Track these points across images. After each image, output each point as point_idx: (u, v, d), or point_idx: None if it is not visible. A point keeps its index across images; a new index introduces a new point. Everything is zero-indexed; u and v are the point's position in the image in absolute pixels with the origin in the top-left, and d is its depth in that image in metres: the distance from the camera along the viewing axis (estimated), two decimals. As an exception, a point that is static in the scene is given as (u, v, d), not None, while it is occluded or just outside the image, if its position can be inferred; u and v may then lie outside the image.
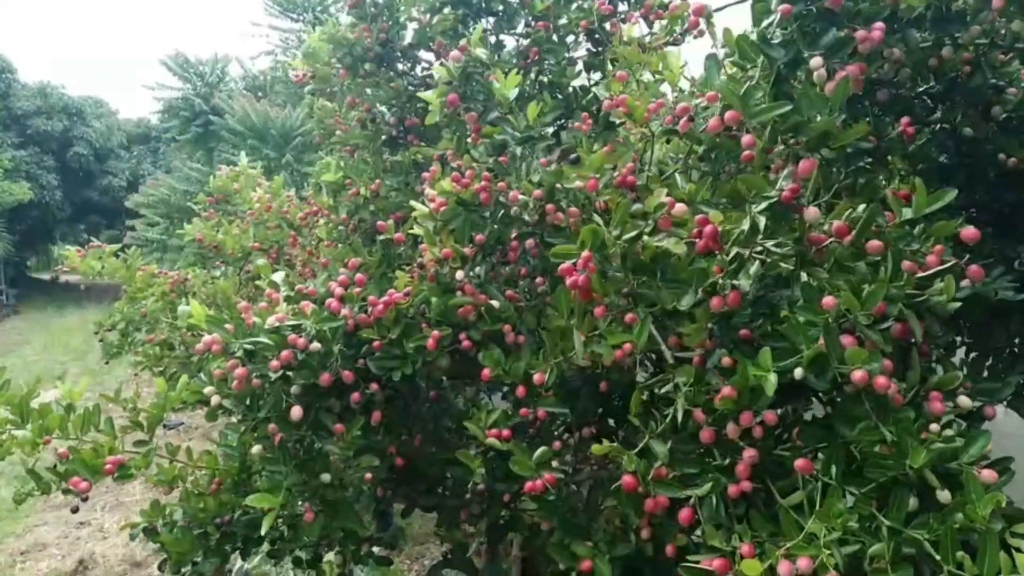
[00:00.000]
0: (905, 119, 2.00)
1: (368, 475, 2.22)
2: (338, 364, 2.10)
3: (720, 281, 1.61)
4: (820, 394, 1.83)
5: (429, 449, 2.49)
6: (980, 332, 2.21)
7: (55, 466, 2.11)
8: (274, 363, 2.01)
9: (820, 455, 1.58)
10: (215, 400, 2.12)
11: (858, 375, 1.39)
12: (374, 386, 2.18)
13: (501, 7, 3.03)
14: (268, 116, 12.95)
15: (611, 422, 2.43)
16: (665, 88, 2.34)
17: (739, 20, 2.00)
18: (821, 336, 1.46)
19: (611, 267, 1.77)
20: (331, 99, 3.52)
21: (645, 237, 1.70)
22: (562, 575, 1.98)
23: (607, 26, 2.80)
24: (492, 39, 3.08)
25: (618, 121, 2.33)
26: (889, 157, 2.06)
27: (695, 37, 2.62)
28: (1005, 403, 1.95)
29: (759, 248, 1.62)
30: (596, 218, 1.78)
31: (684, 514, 1.62)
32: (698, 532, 1.69)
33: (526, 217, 2.15)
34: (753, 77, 1.69)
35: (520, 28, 3.08)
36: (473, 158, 2.33)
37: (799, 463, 1.51)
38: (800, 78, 1.68)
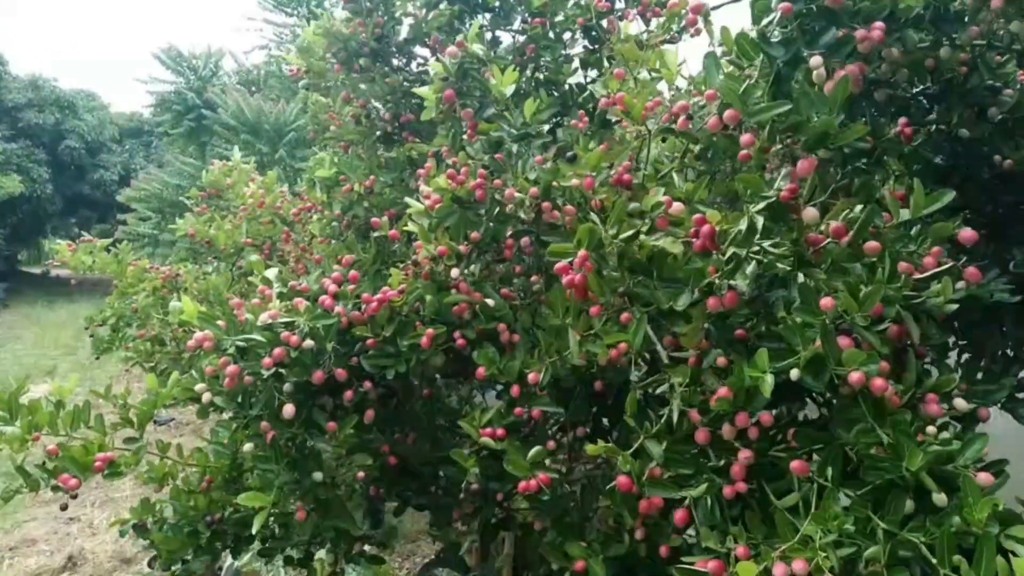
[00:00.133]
0: (903, 120, 2.00)
1: (361, 474, 2.21)
2: (331, 362, 2.08)
3: (717, 281, 1.60)
4: (815, 396, 1.83)
5: (422, 448, 2.48)
6: (974, 334, 2.21)
7: (44, 463, 2.09)
8: (267, 360, 1.99)
9: (815, 457, 1.57)
10: (206, 397, 2.10)
11: (855, 377, 1.38)
12: (367, 384, 2.16)
13: (497, 3, 3.01)
14: (262, 111, 12.90)
15: (605, 422, 2.42)
16: (662, 86, 2.33)
17: (735, 19, 2.00)
18: (818, 337, 1.45)
19: (607, 266, 1.76)
20: (326, 94, 3.50)
21: (642, 236, 1.69)
22: (555, 575, 1.97)
23: (604, 23, 2.79)
24: (488, 35, 3.06)
25: (615, 119, 2.32)
26: (886, 158, 2.05)
27: (692, 35, 2.60)
28: (999, 406, 1.95)
29: (756, 248, 1.61)
30: (593, 217, 1.76)
31: (679, 515, 1.61)
32: (690, 531, 1.68)
33: (522, 215, 2.13)
34: (751, 76, 1.69)
35: (516, 24, 3.07)
36: (469, 155, 2.31)
37: (795, 465, 1.50)
38: (798, 78, 1.67)
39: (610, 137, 2.40)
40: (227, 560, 3.61)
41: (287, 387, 2.05)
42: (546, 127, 2.38)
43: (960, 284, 1.63)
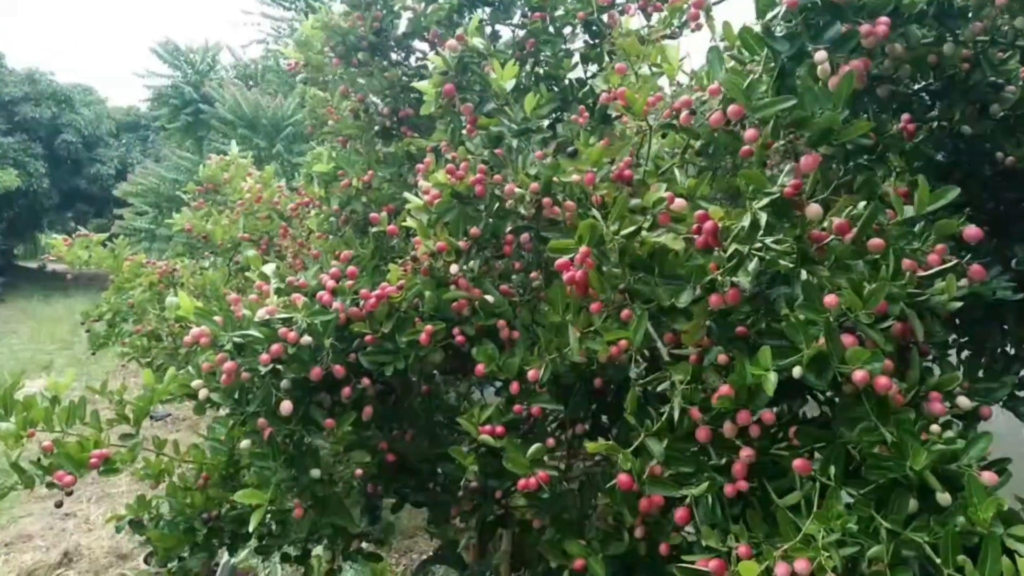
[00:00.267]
0: (906, 116, 1.99)
1: (359, 471, 2.19)
2: (329, 358, 2.06)
3: (719, 278, 1.58)
4: (817, 393, 1.82)
5: (421, 444, 2.47)
6: (975, 332, 2.20)
7: (39, 459, 2.08)
8: (264, 357, 1.98)
9: (817, 455, 1.56)
10: (203, 394, 2.09)
11: (859, 375, 1.37)
12: (365, 381, 2.15)
13: (497, -3, 3.00)
14: (259, 105, 12.85)
15: (604, 419, 2.41)
16: (662, 82, 2.31)
17: (735, 15, 1.99)
18: (821, 335, 1.44)
19: (608, 263, 1.74)
20: (324, 88, 3.48)
21: (643, 232, 1.67)
22: (554, 573, 1.96)
23: (605, 18, 2.77)
24: (487, 30, 3.04)
25: (615, 114, 2.30)
26: (888, 155, 2.04)
27: (693, 30, 2.59)
28: (1001, 403, 1.94)
29: (758, 245, 1.59)
30: (594, 213, 1.75)
31: (680, 514, 1.60)
32: (688, 528, 1.67)
33: (522, 211, 2.12)
34: (754, 71, 1.67)
35: (516, 19, 3.05)
36: (468, 150, 2.29)
37: (798, 463, 1.49)
38: (800, 73, 1.65)
39: (610, 133, 2.38)
40: (223, 557, 3.59)
41: (284, 383, 2.04)
42: (546, 122, 2.36)
43: (962, 281, 1.62)
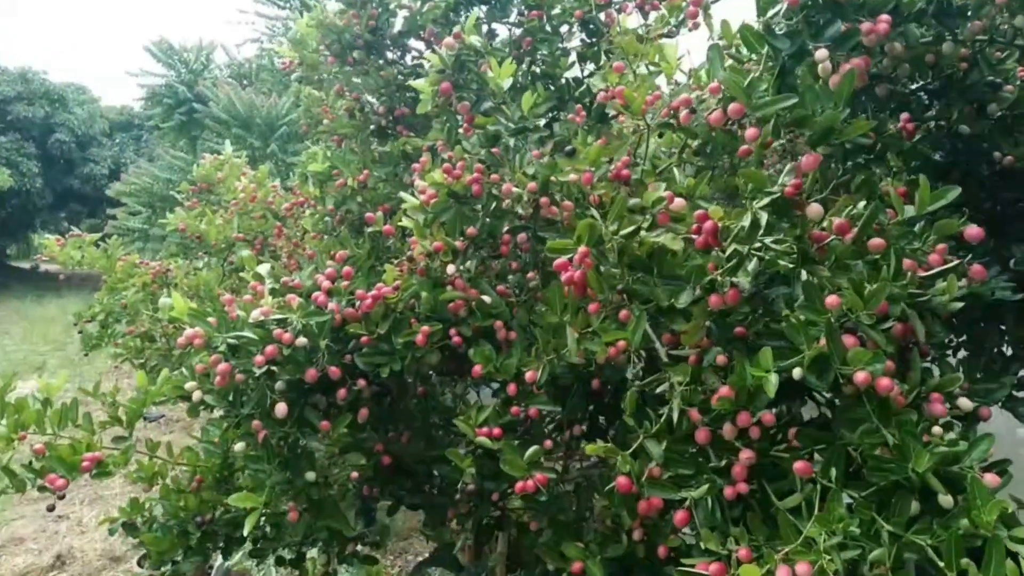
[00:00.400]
0: (905, 115, 1.98)
1: (355, 474, 2.17)
2: (325, 360, 2.04)
3: (719, 278, 1.57)
4: (816, 394, 1.81)
5: (417, 446, 2.45)
6: (974, 332, 2.19)
7: (30, 463, 2.05)
8: (259, 358, 1.95)
9: (817, 457, 1.55)
10: (197, 396, 2.06)
11: (861, 376, 1.35)
12: (361, 382, 2.13)
13: (493, -5, 2.98)
14: (253, 104, 12.79)
15: (601, 420, 2.39)
16: (660, 81, 2.30)
17: (731, 15, 1.98)
18: (822, 336, 1.42)
19: (606, 263, 1.73)
20: (319, 87, 3.46)
21: (642, 232, 1.66)
22: (551, 575, 1.95)
23: (602, 16, 2.76)
24: (484, 28, 3.02)
25: (612, 113, 2.28)
26: (887, 154, 2.03)
27: (690, 29, 2.57)
28: (1000, 404, 1.93)
29: (757, 245, 1.58)
30: (593, 212, 1.73)
31: (680, 516, 1.58)
32: (686, 530, 1.66)
33: (519, 210, 2.10)
34: (753, 69, 1.66)
35: (513, 17, 3.03)
36: (465, 149, 2.27)
37: (798, 466, 1.47)
38: (799, 71, 1.64)
39: (608, 132, 2.37)
40: (217, 560, 3.56)
41: (279, 385, 2.01)
42: (543, 121, 2.35)
43: (961, 281, 1.61)
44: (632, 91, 1.88)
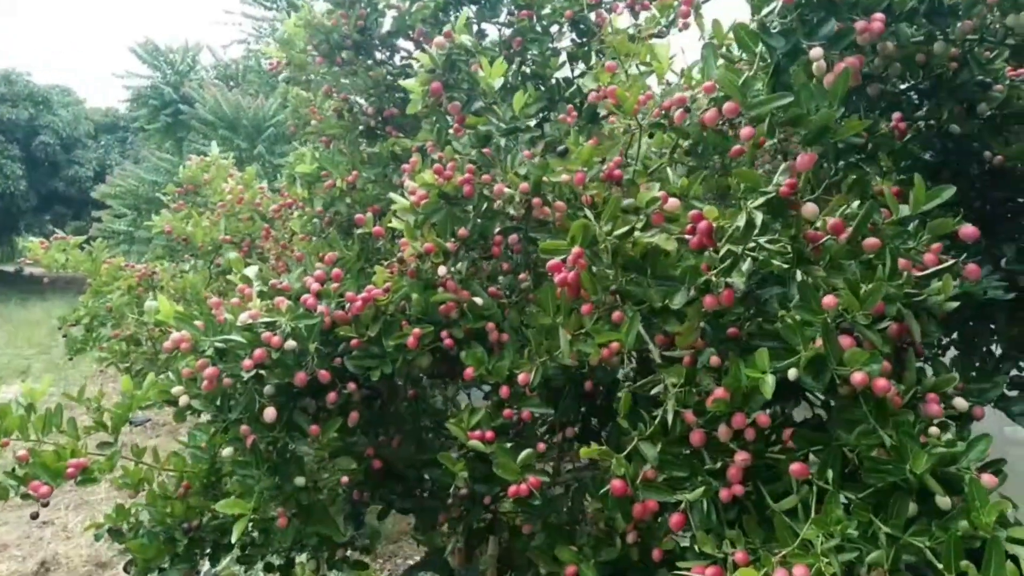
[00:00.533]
0: (897, 115, 1.97)
1: (345, 479, 2.14)
2: (314, 363, 2.01)
3: (713, 279, 1.56)
4: (811, 395, 1.80)
5: (407, 450, 2.42)
6: (965, 331, 2.19)
7: (13, 469, 2.01)
8: (247, 362, 1.92)
9: (813, 458, 1.54)
10: (183, 400, 2.03)
11: (858, 377, 1.34)
12: (351, 386, 2.10)
13: (483, -6, 2.97)
14: (240, 106, 12.71)
15: (594, 422, 2.38)
16: (650, 81, 2.29)
17: (721, 14, 1.97)
18: (818, 336, 1.41)
19: (600, 264, 1.71)
20: (306, 88, 3.43)
21: (636, 233, 1.64)
22: (544, 580, 1.93)
23: (592, 16, 2.74)
24: (473, 28, 3.00)
25: (604, 113, 2.27)
26: (878, 154, 2.03)
27: (681, 29, 2.57)
28: (992, 404, 1.93)
29: (752, 245, 1.57)
30: (587, 212, 1.71)
31: (675, 519, 1.57)
32: (680, 531, 1.64)
33: (511, 211, 2.08)
34: (744, 69, 1.65)
35: (503, 17, 3.02)
36: (455, 150, 2.25)
37: (795, 467, 1.46)
38: (793, 71, 1.63)
39: (599, 132, 2.35)
40: (204, 566, 3.52)
41: (268, 389, 1.98)
42: (533, 121, 2.33)
43: (955, 281, 1.60)
44: (624, 91, 1.87)
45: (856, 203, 1.57)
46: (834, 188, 1.82)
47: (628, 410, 1.68)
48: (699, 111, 1.73)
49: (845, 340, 1.43)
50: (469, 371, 1.99)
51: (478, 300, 2.12)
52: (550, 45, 2.83)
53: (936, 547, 1.27)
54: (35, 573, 5.22)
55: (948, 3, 1.87)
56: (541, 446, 1.96)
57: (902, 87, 2.11)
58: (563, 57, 2.88)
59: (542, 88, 2.78)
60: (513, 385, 1.95)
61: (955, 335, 2.21)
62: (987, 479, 1.32)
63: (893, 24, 1.75)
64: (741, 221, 1.48)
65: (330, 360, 2.08)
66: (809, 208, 1.49)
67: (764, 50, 1.60)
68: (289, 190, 3.75)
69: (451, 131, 2.41)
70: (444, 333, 2.07)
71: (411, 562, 5.08)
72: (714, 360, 1.60)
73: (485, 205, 2.10)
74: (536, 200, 1.99)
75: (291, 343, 1.97)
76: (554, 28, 2.87)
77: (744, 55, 1.79)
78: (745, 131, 1.49)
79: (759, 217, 1.46)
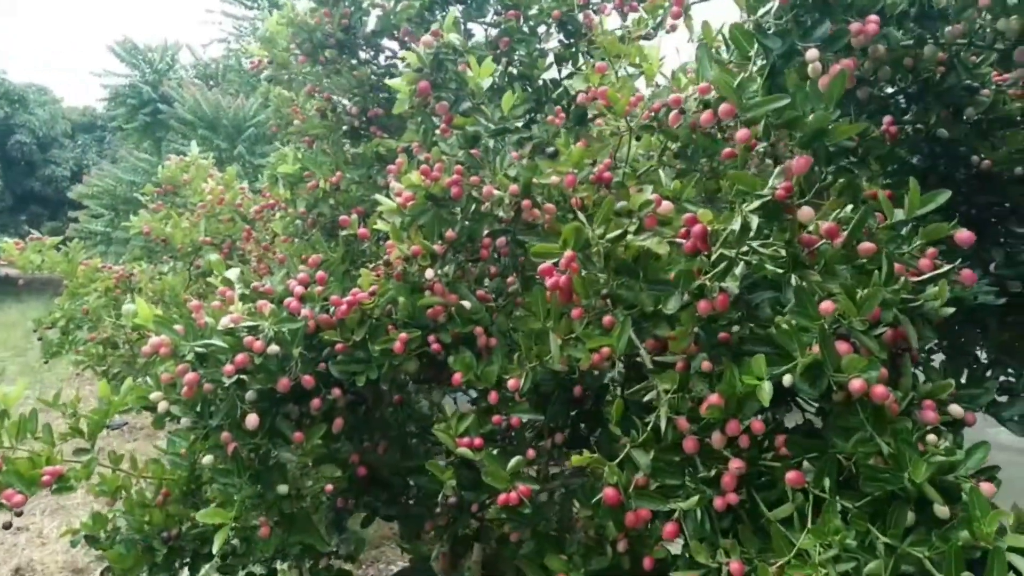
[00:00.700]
0: (888, 118, 1.96)
1: (329, 487, 2.09)
2: (298, 368, 1.96)
3: (707, 283, 1.53)
4: (804, 401, 1.78)
5: (393, 456, 2.38)
6: (955, 337, 2.19)
7: (-15, 477, 1.94)
8: (228, 367, 1.87)
9: (807, 465, 1.52)
10: (163, 406, 1.97)
11: (856, 384, 1.32)
12: (336, 391, 2.05)
13: (470, -6, 2.93)
14: (220, 105, 12.58)
15: (583, 427, 2.34)
16: (639, 83, 2.27)
17: (710, 16, 1.96)
18: (814, 342, 1.39)
19: (592, 267, 1.68)
20: (289, 87, 3.38)
21: (629, 236, 1.61)
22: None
23: (580, 17, 2.72)
24: (460, 27, 2.97)
25: (593, 114, 2.24)
26: (869, 157, 2.02)
27: (669, 31, 2.55)
28: (983, 409, 1.93)
29: (745, 248, 1.55)
30: (580, 216, 1.68)
31: (669, 528, 1.54)
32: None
33: (500, 213, 2.04)
34: (737, 71, 1.63)
35: (489, 17, 2.98)
36: (442, 151, 2.21)
37: (791, 476, 1.44)
38: (787, 72, 1.61)
39: (586, 134, 2.33)
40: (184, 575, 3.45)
41: (250, 395, 1.94)
42: (521, 123, 2.30)
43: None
44: (615, 92, 1.84)
45: (848, 207, 1.56)
46: (824, 192, 1.81)
47: (620, 417, 1.65)
48: (692, 112, 1.71)
49: (841, 346, 1.41)
50: (457, 376, 1.95)
51: (466, 304, 2.08)
52: (537, 46, 2.80)
53: (935, 557, 1.25)
54: (9, 580, 5.12)
55: (938, 7, 1.87)
56: (531, 452, 1.92)
57: (890, 91, 2.10)
58: (550, 58, 2.85)
59: (529, 89, 2.75)
60: (501, 390, 1.92)
61: (943, 341, 2.20)
62: (986, 487, 1.31)
63: (884, 27, 1.74)
64: (736, 225, 1.46)
65: (314, 365, 2.03)
66: (805, 212, 1.47)
67: (759, 51, 1.58)
68: (271, 191, 3.69)
69: (438, 132, 2.37)
70: (431, 338, 2.03)
71: (393, 568, 5.03)
72: (705, 365, 1.57)
73: (473, 207, 2.06)
74: (526, 202, 1.96)
75: (274, 348, 1.93)
76: (541, 29, 2.85)
77: (733, 57, 1.78)
78: (741, 133, 1.46)
79: (755, 221, 1.43)
